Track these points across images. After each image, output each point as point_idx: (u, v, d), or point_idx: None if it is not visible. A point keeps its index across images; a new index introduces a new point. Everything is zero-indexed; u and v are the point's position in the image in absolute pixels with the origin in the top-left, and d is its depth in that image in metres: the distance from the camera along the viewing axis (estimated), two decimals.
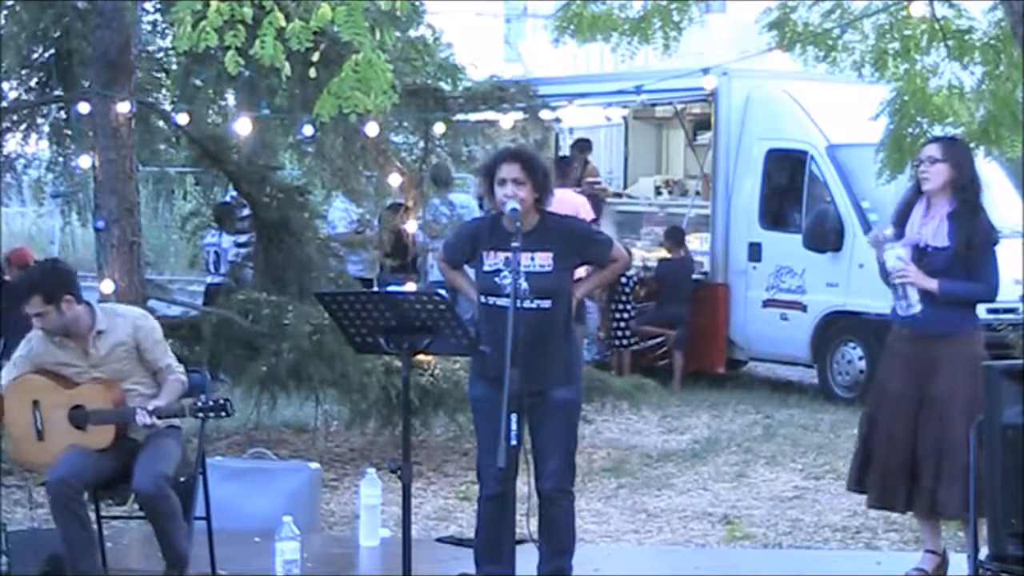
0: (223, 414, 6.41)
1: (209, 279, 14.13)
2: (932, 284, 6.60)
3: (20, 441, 6.60)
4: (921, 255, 6.70)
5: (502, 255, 6.13)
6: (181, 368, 6.65)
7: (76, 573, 6.32)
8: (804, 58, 9.24)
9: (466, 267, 6.48)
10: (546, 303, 6.16)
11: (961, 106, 8.76)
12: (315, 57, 7.17)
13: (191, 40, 6.67)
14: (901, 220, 6.83)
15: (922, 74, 8.85)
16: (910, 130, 8.91)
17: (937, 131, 8.77)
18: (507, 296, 5.89)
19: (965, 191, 6.72)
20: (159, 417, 6.34)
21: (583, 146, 16.56)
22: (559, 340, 6.25)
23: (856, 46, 9.07)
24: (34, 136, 10.98)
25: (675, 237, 14.46)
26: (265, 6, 6.75)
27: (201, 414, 6.42)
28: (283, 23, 6.70)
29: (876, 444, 6.80)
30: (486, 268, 6.22)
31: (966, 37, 8.73)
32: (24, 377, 6.55)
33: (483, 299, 6.23)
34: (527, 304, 6.06)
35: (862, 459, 6.89)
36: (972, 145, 8.67)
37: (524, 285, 6.04)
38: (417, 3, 10.80)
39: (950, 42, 8.73)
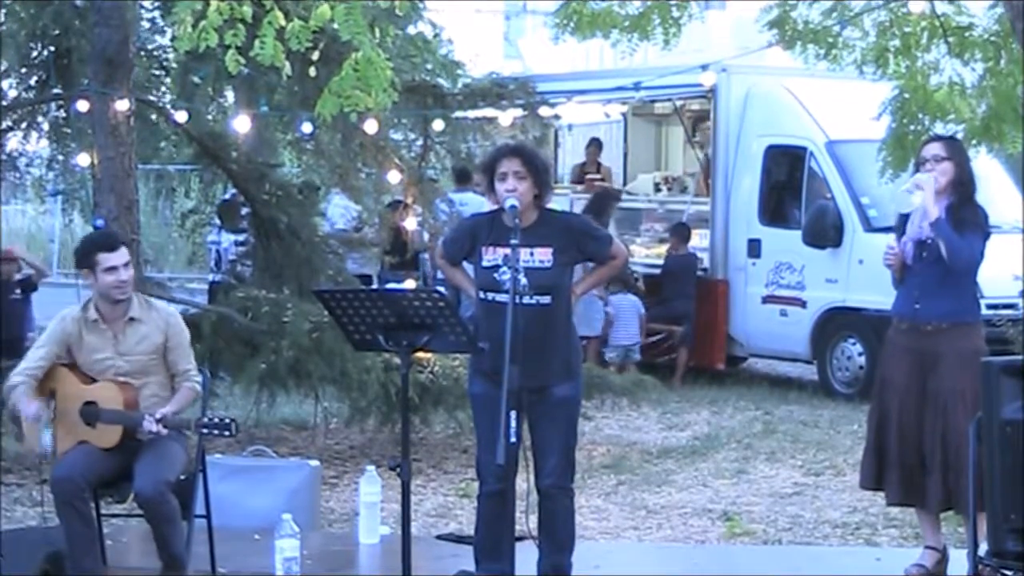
0: (227, 433, 6.41)
1: (211, 277, 14.11)
2: (936, 212, 6.60)
3: (31, 426, 6.60)
4: (922, 248, 6.72)
5: (501, 251, 6.12)
6: (198, 377, 6.68)
7: (78, 571, 6.33)
8: (805, 56, 9.23)
9: (465, 264, 6.48)
10: (546, 299, 6.16)
11: (963, 103, 8.75)
12: (315, 56, 7.18)
13: (192, 40, 6.68)
14: (904, 222, 6.86)
15: (923, 71, 8.84)
16: (912, 127, 8.90)
17: (939, 128, 8.77)
18: (506, 292, 5.90)
19: (964, 186, 6.77)
20: (164, 426, 6.35)
21: (596, 144, 16.57)
22: (559, 336, 6.25)
23: (857, 43, 9.07)
24: (34, 134, 10.99)
25: (681, 233, 14.47)
26: (265, 5, 6.75)
27: (205, 430, 6.42)
28: (283, 22, 6.70)
29: (889, 440, 6.80)
30: (485, 264, 6.21)
31: (966, 34, 8.72)
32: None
33: (482, 295, 6.23)
34: (526, 300, 6.06)
35: (875, 456, 6.88)
36: (974, 142, 8.71)
37: (523, 281, 6.04)
38: (417, 0, 10.82)
39: (950, 39, 8.73)
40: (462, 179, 14.22)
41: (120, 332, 6.52)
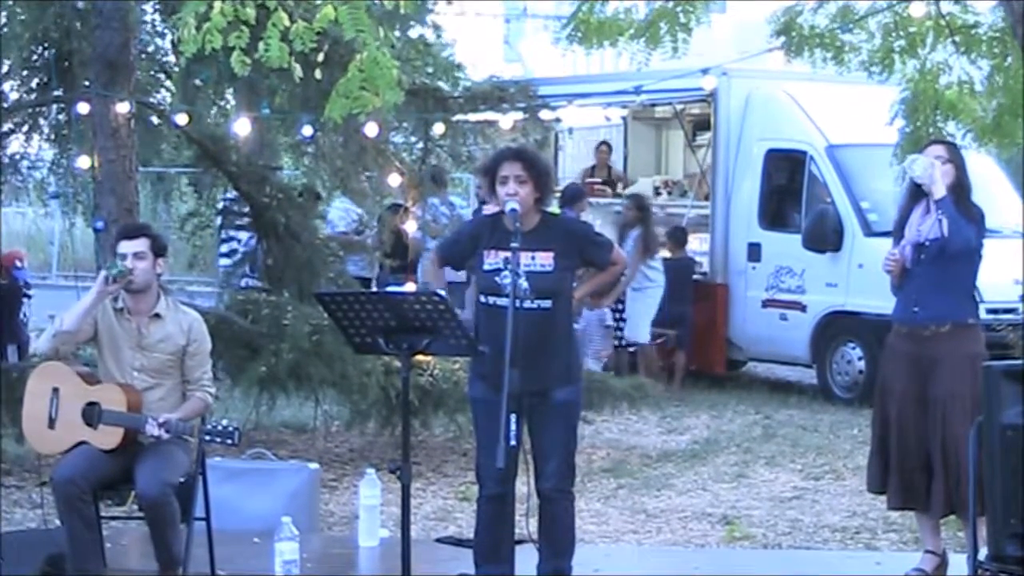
0: (229, 441, 6.40)
1: (245, 282, 13.77)
2: (942, 191, 6.65)
3: (31, 423, 6.63)
4: (920, 251, 6.76)
5: (502, 254, 6.12)
6: (212, 388, 6.70)
7: (79, 572, 6.33)
8: (812, 60, 9.22)
9: (466, 266, 6.49)
10: (547, 303, 6.16)
11: (972, 101, 8.76)
12: (320, 58, 7.18)
13: (196, 43, 6.68)
14: (902, 228, 6.89)
15: (932, 72, 8.83)
16: (927, 130, 8.88)
17: (951, 128, 8.80)
18: (507, 296, 5.90)
19: (963, 189, 6.84)
20: (167, 431, 6.35)
21: (606, 147, 16.52)
22: (560, 340, 6.25)
23: (863, 46, 9.06)
24: (36, 137, 10.97)
25: (677, 237, 14.48)
26: (268, 6, 6.75)
27: (208, 437, 6.42)
28: (287, 23, 6.70)
29: (891, 445, 6.82)
30: (486, 267, 6.21)
31: (972, 32, 8.71)
32: (51, 363, 6.61)
33: (483, 299, 6.23)
34: (528, 304, 6.07)
35: (881, 460, 6.90)
36: (985, 140, 8.73)
37: (525, 285, 6.05)
38: (421, 2, 10.82)
39: (956, 38, 8.72)
40: (436, 183, 13.83)
41: (144, 326, 6.56)
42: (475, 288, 6.44)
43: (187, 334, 6.60)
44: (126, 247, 6.53)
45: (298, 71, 6.94)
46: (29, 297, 13.24)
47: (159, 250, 6.61)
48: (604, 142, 16.60)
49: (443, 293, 5.98)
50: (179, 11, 6.86)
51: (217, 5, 6.58)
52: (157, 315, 6.58)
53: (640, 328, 13.66)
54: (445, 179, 13.67)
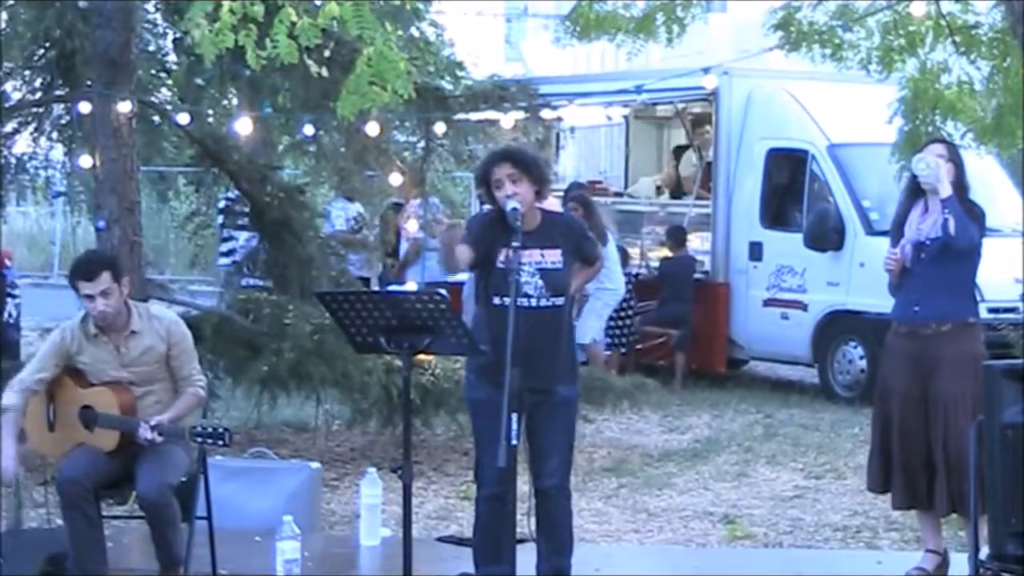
0: (220, 443, 6.37)
1: (246, 280, 13.71)
2: (948, 190, 6.65)
3: (33, 424, 6.64)
4: (920, 250, 6.76)
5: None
6: (203, 381, 6.67)
7: (82, 572, 6.33)
8: (811, 57, 9.23)
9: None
10: (560, 300, 6.15)
11: (972, 101, 8.76)
12: (326, 53, 7.18)
13: (212, 42, 6.67)
14: (900, 227, 6.89)
15: (932, 71, 8.84)
16: (925, 129, 8.89)
17: (950, 127, 8.80)
18: (525, 295, 5.93)
19: (963, 189, 6.84)
20: (160, 434, 6.34)
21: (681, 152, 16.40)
22: (566, 337, 6.25)
23: (862, 43, 9.07)
24: (43, 137, 10.96)
25: (677, 236, 14.47)
26: (276, 2, 6.75)
27: (199, 439, 6.41)
28: (294, 18, 6.70)
29: (893, 444, 6.82)
30: (500, 264, 6.13)
31: (972, 32, 8.72)
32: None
33: (497, 300, 6.11)
34: (543, 303, 6.06)
35: (882, 461, 6.90)
36: (985, 140, 8.74)
37: (540, 283, 6.05)
38: (422, 2, 10.83)
39: (956, 38, 8.73)
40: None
41: (122, 345, 6.51)
42: (477, 288, 6.37)
43: (166, 339, 6.54)
44: (89, 289, 6.38)
45: (313, 67, 6.94)
46: (14, 297, 13.20)
47: (120, 274, 6.49)
48: (681, 146, 16.43)
49: (444, 292, 5.96)
50: (185, 12, 6.86)
51: (226, 4, 6.58)
52: (133, 332, 6.52)
53: (584, 329, 13.27)
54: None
